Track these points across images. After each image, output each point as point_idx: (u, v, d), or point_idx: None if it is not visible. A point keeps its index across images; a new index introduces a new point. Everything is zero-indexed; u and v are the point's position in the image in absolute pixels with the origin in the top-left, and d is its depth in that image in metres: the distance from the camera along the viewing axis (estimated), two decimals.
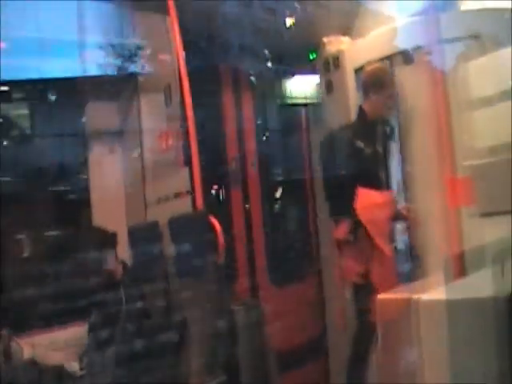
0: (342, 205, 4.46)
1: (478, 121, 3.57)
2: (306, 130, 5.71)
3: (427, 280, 3.28)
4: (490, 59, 3.66)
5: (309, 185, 5.59)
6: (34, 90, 4.61)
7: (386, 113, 4.69)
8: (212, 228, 3.71)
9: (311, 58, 5.50)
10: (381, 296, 2.89)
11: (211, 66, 4.92)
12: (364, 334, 4.50)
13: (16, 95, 4.66)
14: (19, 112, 4.84)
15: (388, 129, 4.70)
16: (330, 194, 4.67)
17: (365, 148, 4.55)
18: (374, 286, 4.19)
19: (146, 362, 3.62)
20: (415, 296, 2.64)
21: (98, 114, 4.74)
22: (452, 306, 2.31)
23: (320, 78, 5.48)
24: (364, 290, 4.33)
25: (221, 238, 3.68)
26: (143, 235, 4.16)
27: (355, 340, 4.58)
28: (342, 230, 4.41)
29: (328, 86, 5.39)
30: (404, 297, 2.75)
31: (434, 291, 2.69)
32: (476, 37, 4.10)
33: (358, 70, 5.13)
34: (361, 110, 4.71)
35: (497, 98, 3.42)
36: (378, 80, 4.63)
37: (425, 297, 2.61)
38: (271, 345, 3.94)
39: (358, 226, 4.34)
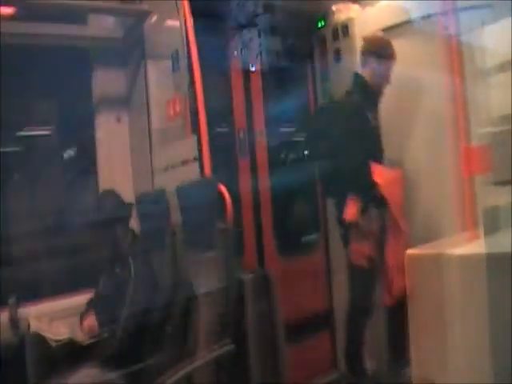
0: (350, 183, 4.25)
1: (492, 88, 3.51)
2: (313, 100, 5.63)
3: (449, 239, 3.16)
4: (504, 25, 3.59)
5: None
6: None
7: (384, 83, 4.55)
8: (221, 196, 3.67)
9: (320, 25, 5.43)
10: (410, 251, 2.75)
11: (219, 33, 4.85)
12: (358, 318, 4.46)
13: None
14: None
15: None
16: (333, 172, 4.37)
17: (372, 119, 4.45)
18: (385, 267, 4.11)
19: (154, 331, 3.60)
20: (448, 251, 2.50)
21: (105, 81, 4.68)
22: (491, 261, 2.20)
23: (328, 46, 5.41)
24: (367, 274, 4.25)
25: (229, 206, 3.63)
26: (150, 203, 4.11)
27: (349, 323, 4.53)
28: (352, 211, 4.19)
29: (336, 55, 5.32)
30: (436, 252, 2.61)
31: (464, 247, 2.60)
32: (489, 6, 4.03)
33: None
34: (360, 77, 4.57)
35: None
36: (381, 48, 4.54)
37: (459, 251, 2.49)
38: (279, 315, 3.90)
39: (370, 204, 4.22)
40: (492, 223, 2.42)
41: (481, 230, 2.60)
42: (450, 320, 2.32)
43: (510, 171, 3.04)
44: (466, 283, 2.29)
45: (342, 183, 4.32)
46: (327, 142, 4.42)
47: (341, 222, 4.38)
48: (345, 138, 4.31)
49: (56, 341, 3.51)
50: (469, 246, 2.66)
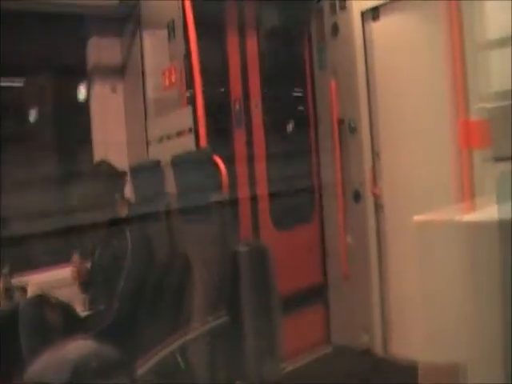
0: None
1: (492, 63, 3.48)
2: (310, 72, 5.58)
3: (449, 207, 3.06)
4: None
5: (312, 129, 5.51)
6: None
7: None
8: (216, 167, 3.64)
9: None
10: (418, 218, 2.64)
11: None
12: None
13: None
14: None
15: None
16: None
17: None
18: None
19: (149, 302, 3.59)
20: (458, 217, 2.41)
21: (101, 50, 4.62)
22: (504, 227, 2.14)
23: (325, 20, 5.35)
24: None
25: (225, 177, 3.60)
26: (145, 174, 4.08)
27: None
28: None
29: (333, 29, 5.27)
30: (445, 218, 2.52)
31: (470, 215, 2.52)
32: None
33: (365, 13, 5.03)
34: None
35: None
36: None
37: (469, 218, 2.40)
38: (275, 287, 3.90)
39: None
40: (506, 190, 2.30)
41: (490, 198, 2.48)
42: (457, 288, 2.26)
43: (509, 147, 3.00)
44: (476, 249, 2.23)
45: None
46: None
47: None
48: None
49: (54, 308, 3.50)
50: (475, 214, 2.60)
